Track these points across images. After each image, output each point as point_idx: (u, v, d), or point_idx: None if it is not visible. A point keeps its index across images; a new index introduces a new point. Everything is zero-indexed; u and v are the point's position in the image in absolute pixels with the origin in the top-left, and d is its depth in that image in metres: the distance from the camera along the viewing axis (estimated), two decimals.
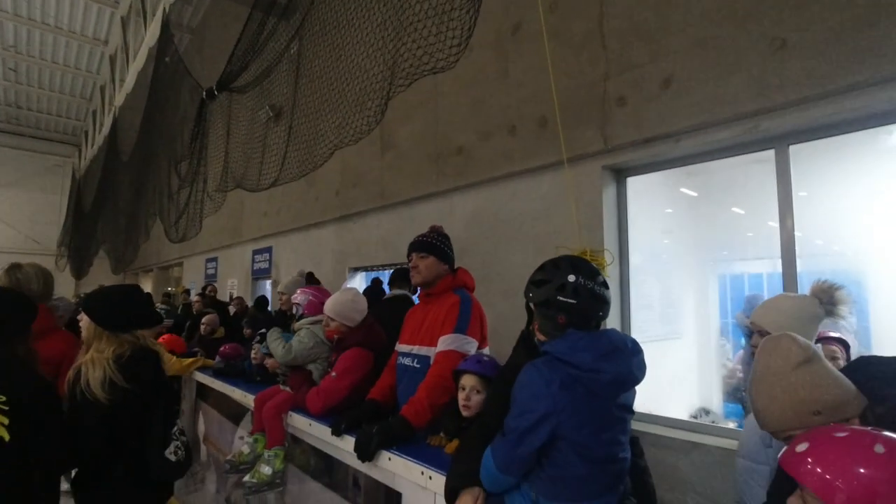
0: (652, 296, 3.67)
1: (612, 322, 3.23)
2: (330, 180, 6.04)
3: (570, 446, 1.19)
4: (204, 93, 5.58)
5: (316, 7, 4.08)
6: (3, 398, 1.72)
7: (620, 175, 3.39)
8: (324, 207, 6.33)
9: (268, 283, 8.08)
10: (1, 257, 16.73)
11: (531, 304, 1.43)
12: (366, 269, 5.86)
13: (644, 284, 3.48)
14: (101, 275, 13.70)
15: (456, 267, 2.27)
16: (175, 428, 2.05)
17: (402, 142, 5.08)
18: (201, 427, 3.69)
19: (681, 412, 3.43)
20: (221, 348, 3.57)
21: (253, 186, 4.82)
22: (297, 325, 2.77)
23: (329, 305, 2.53)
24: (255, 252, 8.25)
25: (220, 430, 3.28)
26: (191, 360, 3.76)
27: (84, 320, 2.03)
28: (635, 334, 3.24)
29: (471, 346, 2.02)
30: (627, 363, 1.24)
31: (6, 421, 1.70)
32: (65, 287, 15.32)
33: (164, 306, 6.06)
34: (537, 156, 3.63)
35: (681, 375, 3.87)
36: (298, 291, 2.90)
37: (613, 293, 3.21)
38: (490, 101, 4.09)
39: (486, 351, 2.13)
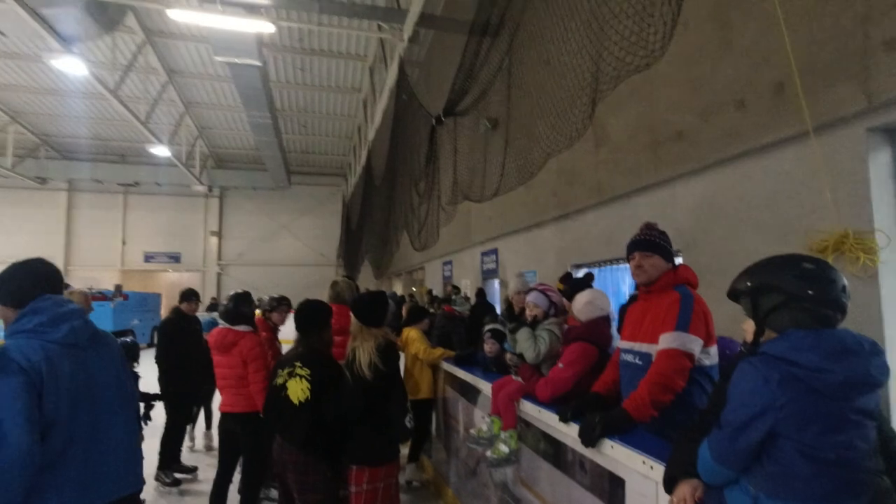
0: None
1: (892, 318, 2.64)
2: (547, 181, 6.28)
3: (793, 445, 1.14)
4: (433, 120, 6.45)
5: (524, 20, 4.36)
6: (308, 371, 2.63)
7: (895, 136, 2.74)
8: (542, 208, 6.61)
9: (496, 282, 8.78)
10: (299, 269, 22.07)
11: (753, 301, 1.38)
12: (588, 265, 5.92)
13: None
14: (367, 279, 16.79)
15: (678, 263, 2.24)
16: (408, 402, 2.74)
17: (616, 134, 5.00)
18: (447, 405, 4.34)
19: None
20: None
21: (478, 198, 5.39)
22: (521, 329, 3.03)
23: (575, 302, 2.77)
24: (483, 254, 9.05)
25: (461, 408, 3.83)
26: (440, 350, 4.46)
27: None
28: None
29: (695, 344, 1.98)
30: (864, 364, 1.12)
31: (308, 386, 2.60)
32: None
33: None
34: (773, 129, 3.19)
35: None
36: (532, 291, 3.14)
37: (891, 283, 2.62)
38: (712, 76, 3.74)
39: (712, 350, 2.05)
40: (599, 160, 5.25)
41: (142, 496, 4.31)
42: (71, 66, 9.24)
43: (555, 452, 2.39)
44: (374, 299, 2.91)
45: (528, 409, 2.64)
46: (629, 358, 2.21)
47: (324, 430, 2.61)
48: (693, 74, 3.92)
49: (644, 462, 1.69)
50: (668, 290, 2.13)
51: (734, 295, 1.45)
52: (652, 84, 4.39)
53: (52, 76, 13.29)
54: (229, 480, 3.55)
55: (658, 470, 1.60)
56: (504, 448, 2.74)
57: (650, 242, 2.19)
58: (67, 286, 10.38)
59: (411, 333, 4.54)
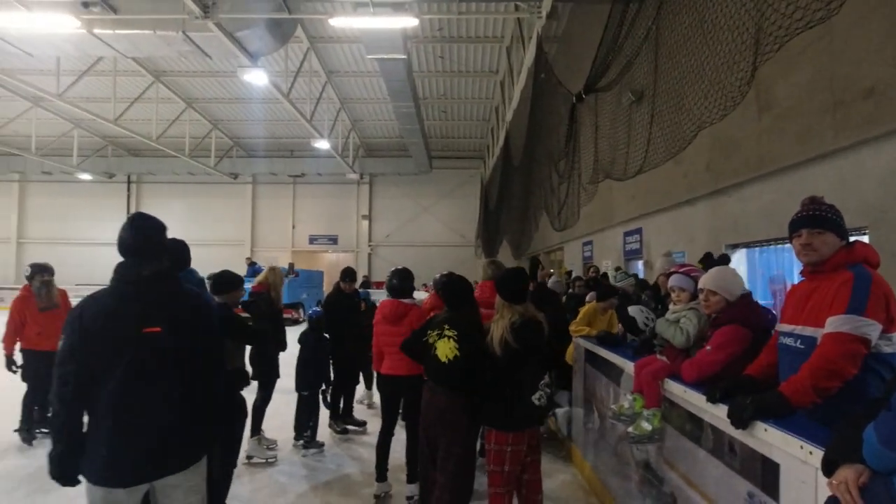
0: None
1: None
2: (698, 155, 5.81)
3: None
4: (573, 97, 6.34)
5: None
6: (455, 332, 3.00)
7: None
8: (693, 184, 6.14)
9: (639, 263, 8.38)
10: (441, 249, 23.18)
11: None
12: (746, 245, 5.39)
13: None
14: (506, 260, 17.04)
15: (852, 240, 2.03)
16: (542, 381, 2.85)
17: (785, 98, 4.44)
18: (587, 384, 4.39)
19: None
20: None
21: (620, 175, 5.22)
22: (674, 308, 2.94)
23: (709, 280, 2.61)
24: (626, 234, 8.68)
25: (602, 386, 3.86)
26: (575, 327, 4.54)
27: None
28: None
29: (871, 328, 1.80)
30: None
31: (455, 346, 2.97)
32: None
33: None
34: None
35: None
36: (674, 275, 3.04)
37: None
38: None
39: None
40: (763, 128, 4.72)
41: (320, 439, 5.16)
42: (256, 78, 10.88)
43: (701, 433, 2.35)
44: (515, 276, 3.05)
45: (674, 388, 2.62)
46: (789, 342, 2.08)
47: (467, 386, 2.93)
48: (889, 16, 3.33)
49: (802, 447, 1.63)
50: (840, 270, 1.95)
51: None
52: (832, 35, 3.82)
53: (240, 87, 15.70)
54: (391, 433, 4.07)
55: (817, 455, 1.54)
56: (646, 426, 2.75)
57: (820, 218, 2.01)
58: (254, 263, 12.35)
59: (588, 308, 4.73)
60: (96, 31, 8.82)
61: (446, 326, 3.05)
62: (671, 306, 2.98)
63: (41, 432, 5.10)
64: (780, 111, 4.48)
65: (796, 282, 3.47)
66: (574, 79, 7.49)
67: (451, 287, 3.26)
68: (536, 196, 9.18)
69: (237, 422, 3.53)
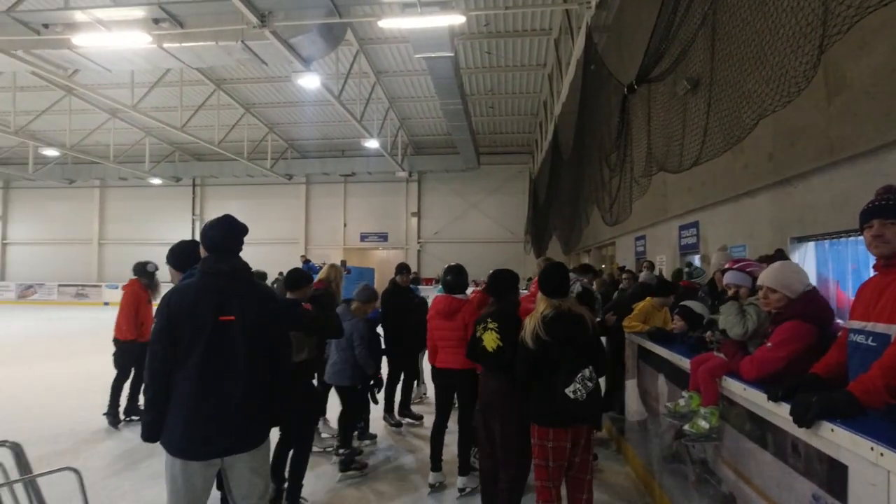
0: None
1: None
2: (760, 143, 5.52)
3: None
4: (625, 88, 6.18)
5: None
6: (496, 325, 3.20)
7: None
8: (754, 174, 5.84)
9: (696, 258, 8.07)
10: (489, 246, 23.15)
11: None
12: (813, 237, 5.09)
13: None
14: (555, 255, 16.85)
15: None
16: (579, 374, 2.84)
17: (859, 79, 4.15)
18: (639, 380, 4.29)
19: None
20: None
21: (675, 168, 5.05)
22: (726, 304, 2.84)
23: (768, 277, 2.51)
24: (682, 228, 8.36)
25: (655, 383, 3.77)
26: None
27: None
28: None
29: None
30: None
31: (498, 336, 3.18)
32: (530, 266, 19.61)
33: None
34: None
35: None
36: (729, 271, 2.93)
37: None
38: None
39: None
40: (833, 113, 4.42)
41: (373, 431, 5.30)
42: (309, 81, 11.30)
43: (762, 433, 2.27)
44: (553, 271, 3.11)
45: (732, 386, 2.54)
46: (860, 339, 1.97)
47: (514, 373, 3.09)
48: None
49: (872, 448, 1.55)
50: None
51: None
52: None
53: (294, 91, 16.31)
54: (445, 425, 4.17)
55: (889, 457, 1.47)
56: (704, 424, 2.68)
57: (894, 207, 1.90)
58: (308, 261, 12.89)
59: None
60: (165, 45, 9.43)
61: (489, 320, 3.30)
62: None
63: (130, 419, 5.59)
64: (853, 95, 4.18)
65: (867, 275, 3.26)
66: (625, 69, 7.29)
67: (497, 278, 3.53)
68: (587, 190, 9.01)
69: (312, 411, 3.79)
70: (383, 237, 25.05)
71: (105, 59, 10.24)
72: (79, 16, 9.17)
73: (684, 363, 3.07)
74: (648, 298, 4.67)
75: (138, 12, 9.14)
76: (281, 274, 18.89)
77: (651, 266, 8.32)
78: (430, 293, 6.22)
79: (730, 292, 2.85)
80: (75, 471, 2.26)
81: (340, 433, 4.46)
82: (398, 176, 22.82)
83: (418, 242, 24.57)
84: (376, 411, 5.38)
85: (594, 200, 8.40)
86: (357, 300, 4.55)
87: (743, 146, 5.81)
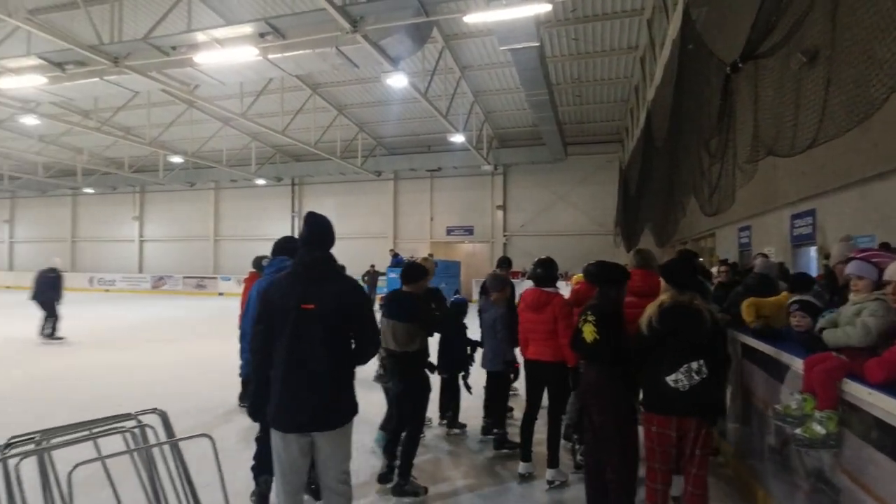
0: None
1: None
2: (893, 120, 4.88)
3: None
4: (728, 68, 5.73)
5: None
6: (594, 318, 3.26)
7: None
8: (888, 153, 5.18)
9: (812, 250, 7.30)
10: (577, 238, 22.46)
11: None
12: None
13: None
14: (648, 247, 15.97)
15: None
16: (685, 366, 2.86)
17: None
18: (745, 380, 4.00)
19: None
20: None
21: (787, 151, 4.62)
22: (854, 299, 2.59)
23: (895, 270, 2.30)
24: (794, 217, 7.61)
25: (762, 384, 3.51)
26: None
27: None
28: None
29: None
30: None
31: (595, 329, 3.24)
32: (621, 260, 18.81)
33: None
34: None
35: None
36: (853, 261, 2.66)
37: None
38: None
39: None
40: None
41: (464, 421, 5.42)
42: (397, 81, 11.71)
43: (894, 443, 2.07)
44: (680, 261, 3.32)
45: (855, 390, 2.32)
46: None
47: (612, 363, 3.20)
48: None
49: None
50: None
51: None
52: None
53: (382, 91, 16.94)
54: (535, 416, 4.20)
55: None
56: (819, 429, 2.48)
57: None
58: (397, 255, 13.47)
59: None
60: (270, 56, 10.26)
61: (588, 312, 3.38)
62: (851, 297, 2.62)
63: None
64: None
65: None
66: (728, 47, 6.74)
67: (601, 268, 3.55)
68: (683, 179, 8.46)
69: (424, 398, 4.04)
70: (469, 231, 25.26)
71: (220, 73, 11.36)
72: (199, 37, 10.28)
73: (796, 363, 2.84)
74: (784, 293, 4.24)
75: (247, 28, 10.04)
76: (372, 266, 20.04)
77: (766, 257, 7.66)
78: (518, 287, 6.21)
79: (851, 285, 2.59)
80: (209, 437, 2.59)
81: (492, 415, 5.00)
82: (483, 169, 22.85)
83: (504, 236, 24.48)
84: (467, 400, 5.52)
85: (691, 189, 7.88)
86: (491, 289, 4.85)
87: (872, 124, 5.16)
